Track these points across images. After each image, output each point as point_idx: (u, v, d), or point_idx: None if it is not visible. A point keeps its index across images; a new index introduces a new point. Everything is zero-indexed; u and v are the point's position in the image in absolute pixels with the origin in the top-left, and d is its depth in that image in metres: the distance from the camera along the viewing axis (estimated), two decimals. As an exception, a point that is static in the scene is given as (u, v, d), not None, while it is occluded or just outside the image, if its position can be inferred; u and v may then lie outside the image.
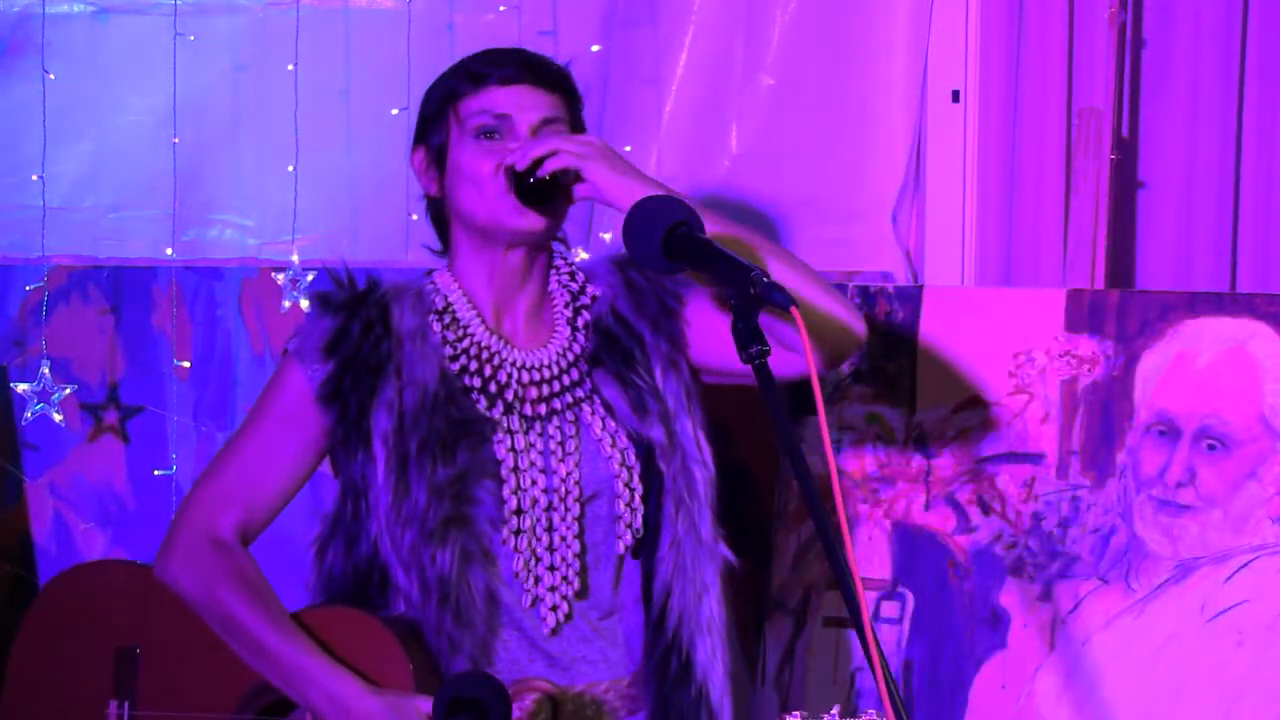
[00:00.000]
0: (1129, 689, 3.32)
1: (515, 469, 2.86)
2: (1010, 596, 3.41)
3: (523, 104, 2.90)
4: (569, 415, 2.91)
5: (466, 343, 2.92)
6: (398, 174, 3.74)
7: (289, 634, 2.83)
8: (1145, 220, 3.88)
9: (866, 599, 2.33)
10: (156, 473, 3.82)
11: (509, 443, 2.87)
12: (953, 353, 3.52)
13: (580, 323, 2.97)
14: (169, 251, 3.80)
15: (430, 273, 3.02)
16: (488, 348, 2.92)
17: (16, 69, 3.81)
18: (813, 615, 3.51)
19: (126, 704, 2.89)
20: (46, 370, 3.74)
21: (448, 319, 2.93)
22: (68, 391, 3.76)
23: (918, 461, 3.51)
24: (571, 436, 2.90)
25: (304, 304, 3.76)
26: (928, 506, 3.49)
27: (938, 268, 3.93)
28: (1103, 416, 3.43)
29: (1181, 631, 3.31)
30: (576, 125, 2.98)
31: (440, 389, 2.87)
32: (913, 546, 3.49)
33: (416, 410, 2.86)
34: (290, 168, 3.73)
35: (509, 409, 2.89)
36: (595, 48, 3.85)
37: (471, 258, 2.95)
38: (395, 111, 3.76)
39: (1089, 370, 3.46)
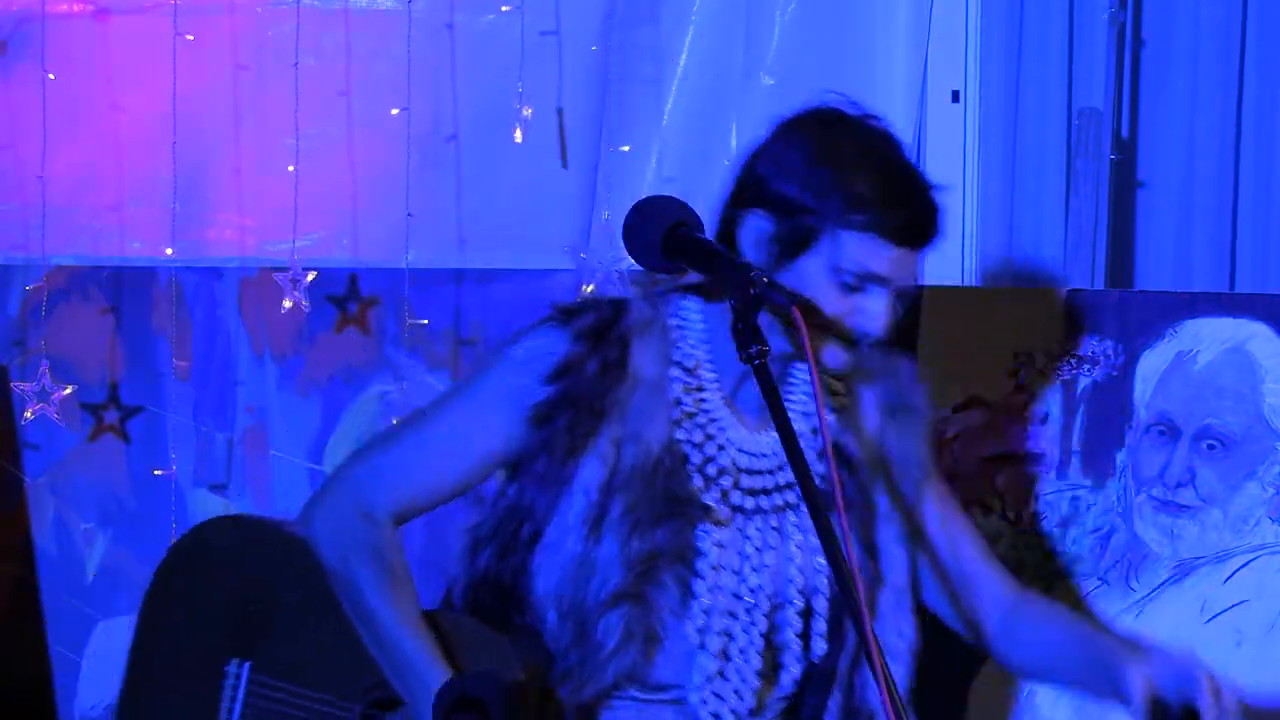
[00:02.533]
0: (1129, 689, 3.31)
1: (714, 566, 2.65)
2: (1010, 596, 3.41)
3: (901, 270, 2.65)
4: (773, 520, 2.71)
5: (696, 409, 2.70)
6: (398, 174, 3.75)
7: (414, 629, 2.67)
8: (1145, 220, 3.88)
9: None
10: (156, 473, 3.82)
11: (713, 535, 2.66)
12: (953, 353, 3.52)
13: (816, 424, 2.73)
14: (169, 251, 3.80)
15: (674, 287, 2.76)
16: (716, 420, 2.70)
17: (16, 69, 3.81)
18: (813, 615, 3.51)
19: (246, 665, 2.83)
20: (46, 370, 3.74)
21: (691, 380, 2.71)
22: (68, 391, 3.76)
23: (918, 461, 3.51)
24: (773, 546, 2.70)
25: (303, 304, 3.76)
26: (928, 506, 3.49)
27: (938, 268, 3.92)
28: (1103, 416, 3.43)
29: (1181, 631, 3.30)
30: None
31: (663, 456, 2.66)
32: (913, 546, 3.49)
33: (632, 472, 2.64)
34: (290, 168, 3.73)
35: (722, 496, 2.69)
36: (595, 48, 3.85)
37: (718, 310, 2.69)
38: (395, 111, 3.76)
39: (1089, 370, 3.46)
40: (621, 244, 2.69)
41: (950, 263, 3.92)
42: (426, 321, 3.84)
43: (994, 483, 3.46)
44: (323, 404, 3.91)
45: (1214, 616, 3.30)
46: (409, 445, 2.75)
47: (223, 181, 3.88)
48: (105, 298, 3.85)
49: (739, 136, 3.93)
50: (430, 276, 3.86)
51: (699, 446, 2.69)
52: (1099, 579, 3.38)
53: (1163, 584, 3.35)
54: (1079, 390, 3.45)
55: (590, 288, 3.76)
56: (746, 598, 2.68)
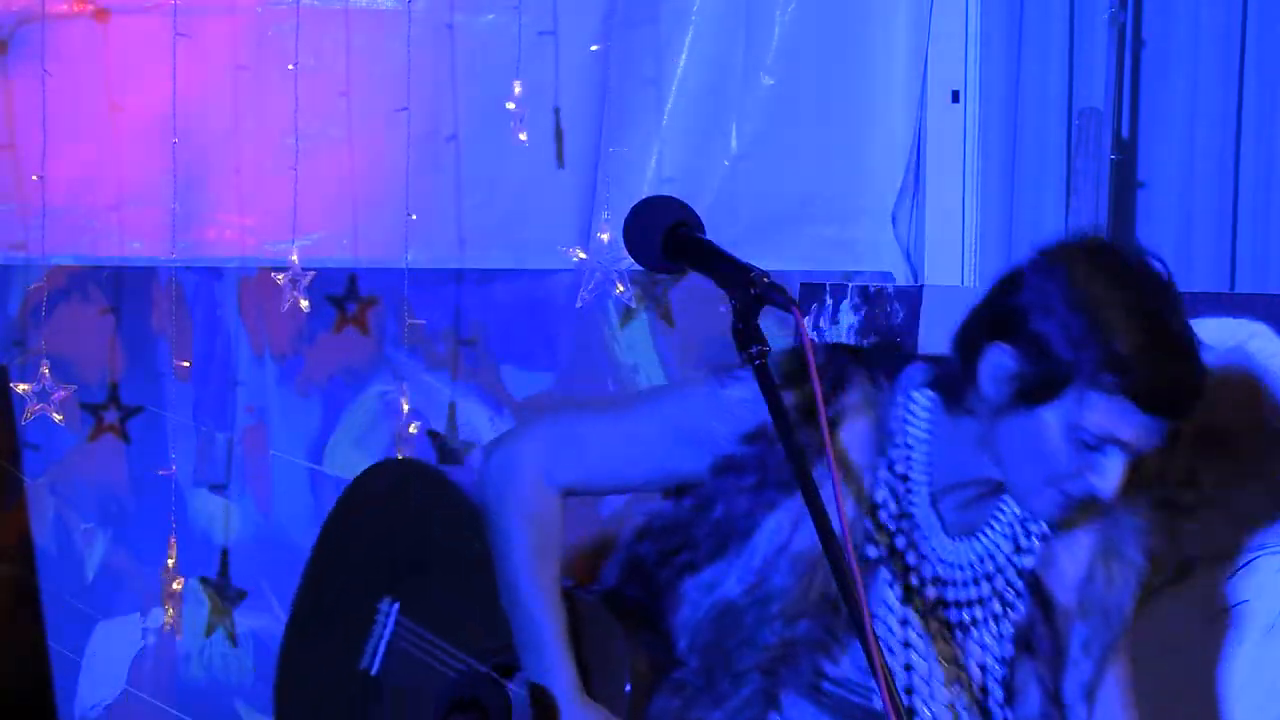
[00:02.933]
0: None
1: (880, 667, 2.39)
2: (1010, 596, 3.41)
3: (1145, 438, 2.46)
4: (951, 635, 2.58)
5: (898, 509, 2.57)
6: (398, 174, 3.75)
7: (547, 602, 2.62)
8: (1145, 220, 3.88)
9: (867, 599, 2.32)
10: (157, 473, 3.82)
11: (881, 629, 2.54)
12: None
13: (1025, 541, 2.61)
14: (169, 252, 3.80)
15: (911, 357, 2.65)
16: (919, 526, 2.57)
17: (16, 69, 3.81)
18: (813, 615, 3.50)
19: (395, 605, 2.87)
20: (46, 370, 3.74)
21: (899, 484, 2.57)
22: (68, 391, 3.76)
23: (918, 461, 3.51)
24: (952, 663, 2.58)
25: (303, 304, 3.76)
26: (928, 506, 3.49)
27: (938, 268, 3.93)
28: (1103, 416, 3.42)
29: (1181, 631, 3.30)
30: None
31: (854, 520, 2.53)
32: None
33: (796, 558, 2.53)
34: (290, 168, 3.73)
35: (906, 596, 2.56)
36: (595, 48, 3.85)
37: (947, 399, 2.55)
38: (395, 111, 3.76)
39: (1089, 370, 3.45)
40: (621, 244, 2.69)
41: (950, 263, 3.92)
42: (426, 322, 3.84)
43: (994, 483, 3.46)
44: (323, 404, 3.91)
45: (1214, 616, 3.30)
46: (601, 433, 2.67)
47: (223, 181, 3.88)
48: (105, 298, 3.85)
49: (739, 136, 3.93)
50: (430, 276, 3.86)
51: (887, 547, 2.58)
52: (1099, 579, 3.38)
53: (1163, 584, 3.34)
54: (1079, 390, 3.45)
55: (589, 287, 3.76)
56: (920, 709, 2.55)
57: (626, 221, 2.65)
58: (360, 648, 2.89)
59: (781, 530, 2.55)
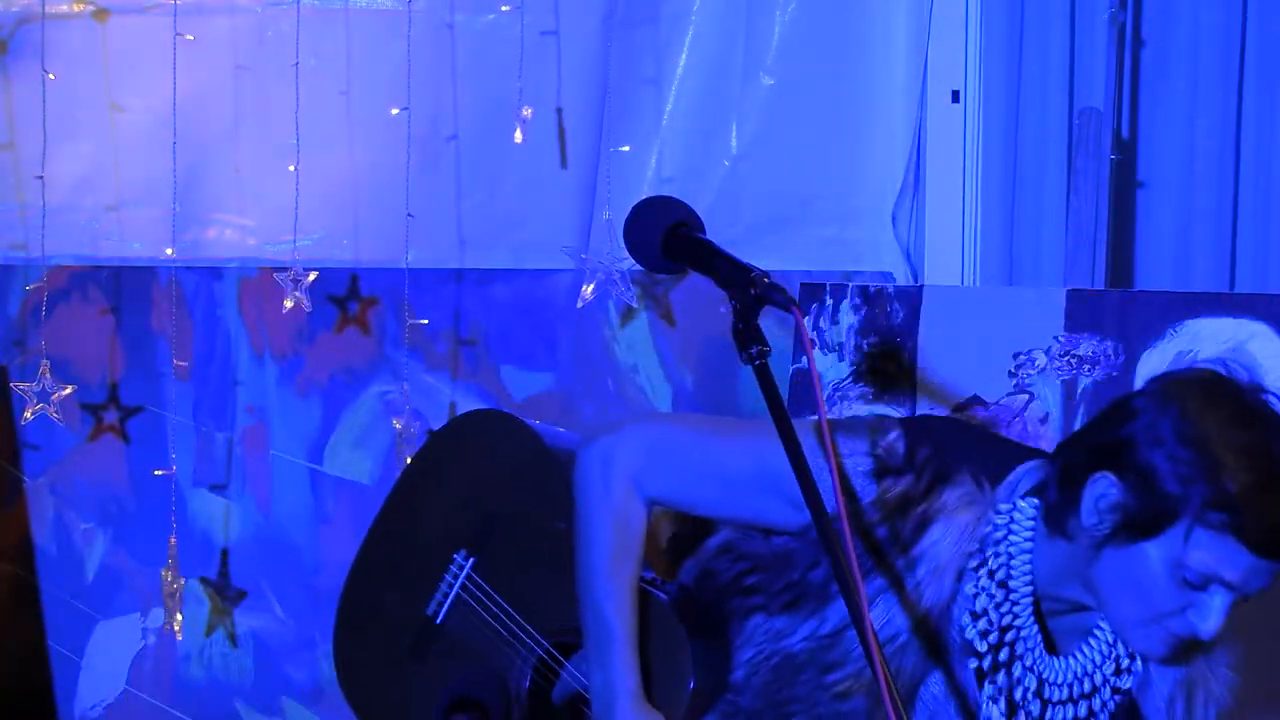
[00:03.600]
0: (1129, 689, 3.31)
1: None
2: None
3: (1252, 581, 2.38)
4: None
5: (1001, 622, 2.51)
6: (398, 174, 3.74)
7: (621, 604, 2.60)
8: (1145, 220, 3.88)
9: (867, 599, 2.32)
10: (157, 473, 3.82)
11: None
12: (953, 353, 3.52)
13: (1117, 665, 2.55)
14: (169, 251, 3.80)
15: (1020, 456, 2.56)
16: (1024, 638, 2.51)
17: (16, 69, 3.81)
18: (813, 615, 3.50)
19: (471, 560, 2.87)
20: (46, 370, 3.74)
21: (1000, 574, 2.50)
22: (68, 391, 3.76)
23: (918, 461, 3.51)
24: None
25: (305, 304, 3.76)
26: (928, 506, 3.49)
27: (938, 268, 3.93)
28: (1103, 416, 3.43)
29: (1181, 631, 3.30)
30: None
31: (941, 618, 2.48)
32: (913, 546, 3.49)
33: (913, 633, 2.48)
34: (290, 168, 3.73)
35: (1009, 711, 2.52)
36: (595, 48, 3.85)
37: (1050, 530, 2.47)
38: (395, 111, 3.76)
39: (1089, 370, 3.46)
40: (622, 244, 2.69)
41: (950, 263, 3.93)
42: (426, 321, 3.84)
43: (994, 483, 3.46)
44: (323, 404, 3.91)
45: (1214, 616, 3.29)
46: (700, 455, 2.63)
47: (223, 181, 3.88)
48: (105, 298, 3.85)
49: (739, 136, 3.93)
50: (430, 276, 3.86)
51: (990, 660, 2.52)
52: (1099, 579, 3.37)
53: (1163, 584, 3.34)
54: (1079, 390, 3.45)
55: (589, 287, 3.76)
56: None
57: (627, 221, 2.65)
58: (429, 593, 2.89)
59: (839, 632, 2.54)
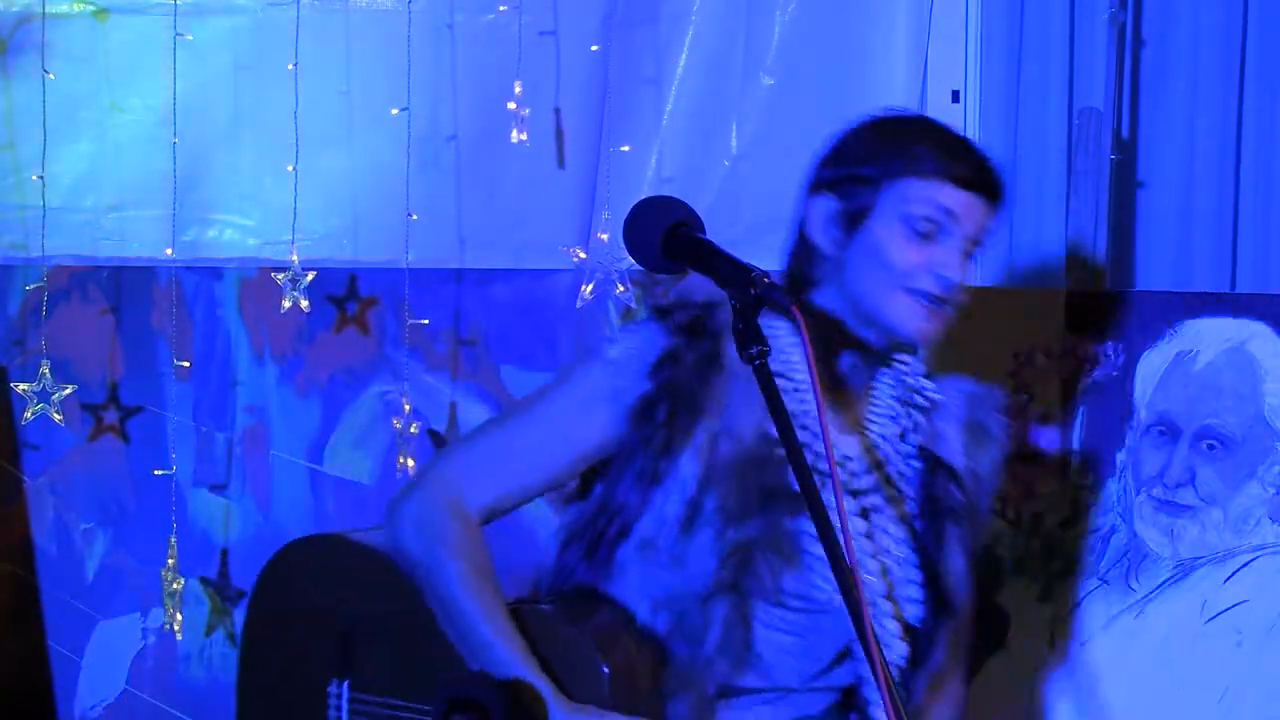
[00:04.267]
0: (1129, 689, 3.32)
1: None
2: (1010, 596, 3.41)
3: (972, 213, 2.67)
4: (861, 524, 2.69)
5: (792, 407, 2.62)
6: (398, 174, 3.74)
7: (501, 628, 2.64)
8: (1145, 220, 3.88)
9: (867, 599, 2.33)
10: (156, 473, 3.82)
11: (807, 525, 2.61)
12: (953, 353, 3.51)
13: (908, 421, 2.75)
14: (169, 251, 3.80)
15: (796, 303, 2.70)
16: (810, 413, 2.66)
17: (16, 69, 3.81)
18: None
19: (346, 683, 2.81)
20: (46, 370, 3.74)
21: (782, 382, 2.60)
22: (68, 391, 3.76)
23: (918, 461, 3.51)
24: (866, 536, 2.69)
25: (303, 304, 3.76)
26: (928, 506, 3.49)
27: (937, 268, 3.93)
28: (1103, 416, 3.43)
29: (1181, 631, 3.31)
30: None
31: (756, 448, 2.63)
32: (913, 546, 3.49)
33: (727, 465, 2.62)
34: (290, 168, 3.73)
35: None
36: (595, 48, 3.85)
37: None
38: (395, 111, 3.76)
39: (1089, 370, 3.46)
40: (622, 244, 2.69)
41: (950, 263, 3.92)
42: (427, 321, 3.84)
43: (994, 483, 3.46)
44: (323, 404, 3.91)
45: (1214, 616, 3.30)
46: (502, 442, 2.71)
47: (223, 181, 3.88)
48: (105, 298, 3.85)
49: (739, 136, 3.93)
50: (430, 276, 3.86)
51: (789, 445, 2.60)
52: (1099, 579, 3.38)
53: (1163, 584, 3.35)
54: (1079, 390, 3.46)
55: (589, 287, 3.76)
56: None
57: (626, 221, 2.65)
58: None
59: (703, 449, 2.62)
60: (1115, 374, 3.44)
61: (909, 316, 2.65)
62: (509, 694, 2.64)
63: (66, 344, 3.81)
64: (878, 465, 2.73)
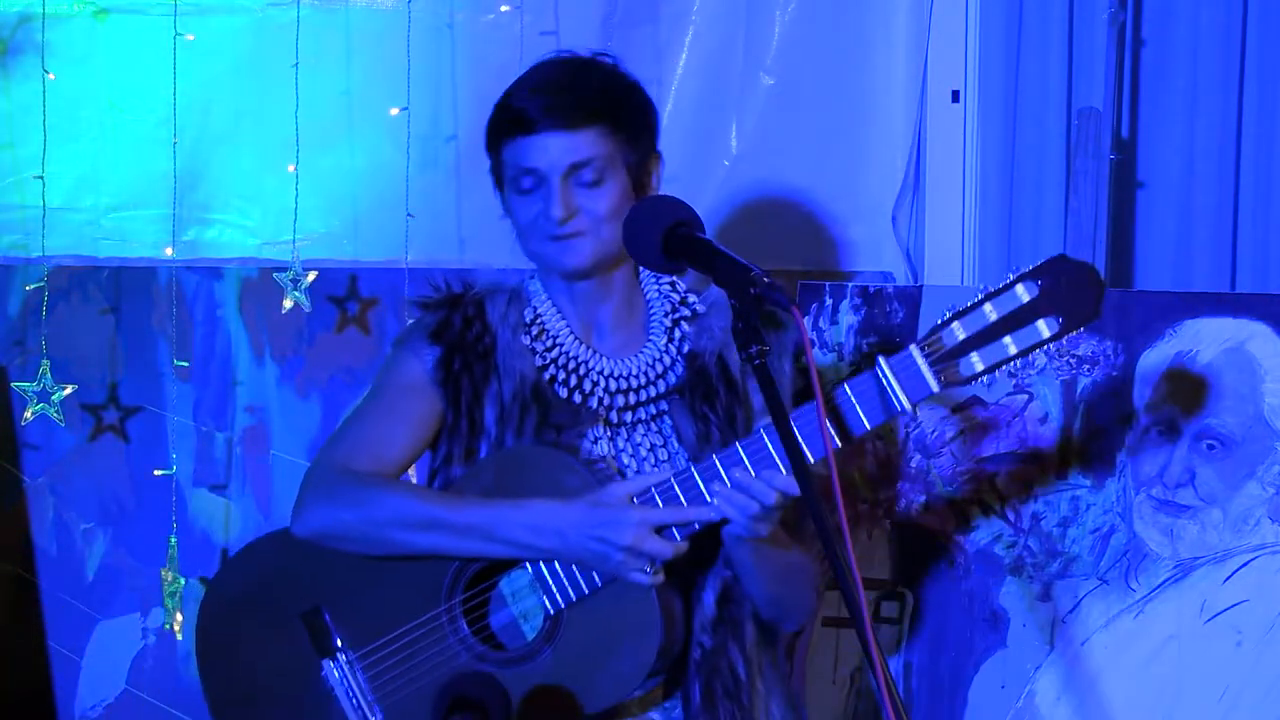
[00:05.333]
0: (1129, 689, 3.32)
1: (614, 473, 2.84)
2: (1010, 596, 3.41)
3: (550, 154, 2.82)
4: (654, 426, 2.90)
5: (556, 352, 2.90)
6: (398, 174, 3.75)
7: (459, 498, 2.83)
8: (1145, 220, 3.88)
9: (866, 599, 2.33)
10: (157, 473, 3.82)
11: (601, 446, 2.86)
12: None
13: (676, 334, 2.93)
14: (169, 251, 3.80)
15: (529, 276, 3.00)
16: (575, 357, 2.90)
17: (16, 69, 3.81)
18: (813, 615, 3.51)
19: (340, 655, 2.86)
20: (46, 370, 3.74)
21: (535, 330, 2.92)
22: (68, 391, 3.76)
23: (918, 461, 3.51)
24: (660, 445, 2.89)
25: (299, 301, 3.76)
26: (928, 507, 3.49)
27: (938, 268, 3.93)
28: (1103, 416, 3.43)
29: (1181, 631, 3.31)
30: (633, 146, 2.86)
31: (537, 383, 2.88)
32: (913, 546, 3.49)
33: (513, 402, 2.87)
34: (290, 168, 3.73)
35: (595, 416, 2.87)
36: (595, 48, 3.85)
37: (546, 277, 2.95)
38: (395, 111, 3.76)
39: (1089, 370, 3.46)
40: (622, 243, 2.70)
41: (950, 263, 3.93)
42: (428, 321, 3.83)
43: (994, 483, 3.46)
44: (323, 404, 3.91)
45: (1214, 616, 3.30)
46: (358, 430, 2.94)
47: (223, 181, 3.88)
48: (105, 298, 3.85)
49: (739, 136, 3.93)
50: (430, 276, 3.86)
51: (563, 383, 2.88)
52: (1099, 579, 3.38)
53: (1163, 584, 3.35)
54: (1079, 390, 3.45)
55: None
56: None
57: (626, 221, 2.66)
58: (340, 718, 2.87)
59: (496, 394, 2.88)
60: (1115, 374, 3.44)
61: (547, 252, 2.88)
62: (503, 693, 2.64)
63: (66, 344, 3.81)
64: (660, 377, 2.90)
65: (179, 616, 3.81)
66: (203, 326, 3.88)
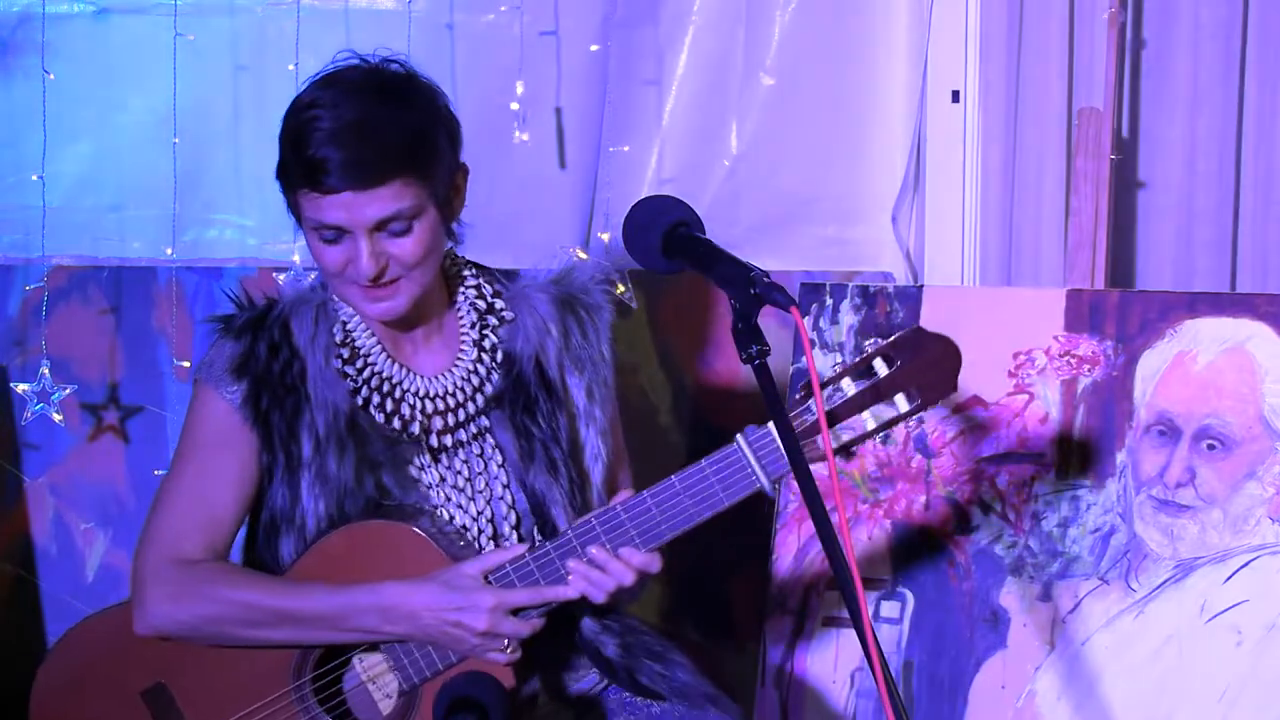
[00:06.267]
0: (1129, 689, 3.32)
1: (443, 499, 2.83)
2: (1010, 596, 3.41)
3: (353, 214, 2.76)
4: (474, 447, 2.87)
5: (368, 373, 2.86)
6: (398, 174, 3.74)
7: (307, 587, 2.78)
8: (1145, 220, 3.88)
9: (866, 599, 2.33)
10: (156, 473, 3.82)
11: (426, 473, 2.84)
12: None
13: (487, 344, 2.91)
14: (169, 251, 3.80)
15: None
16: (389, 378, 2.86)
17: (16, 69, 3.81)
18: (813, 615, 3.51)
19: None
20: (46, 370, 3.74)
21: (347, 352, 2.86)
22: (68, 391, 3.76)
23: (918, 462, 3.51)
24: (480, 473, 2.87)
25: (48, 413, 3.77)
26: (928, 506, 3.49)
27: (938, 268, 3.93)
28: (1103, 416, 3.43)
29: (1181, 631, 3.30)
30: (439, 181, 2.81)
31: (352, 414, 2.83)
32: (913, 546, 3.49)
33: (327, 437, 2.81)
34: (290, 168, 3.73)
35: (417, 443, 2.85)
36: (595, 48, 3.85)
37: None
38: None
39: (1089, 370, 3.46)
40: (621, 244, 2.69)
41: (950, 263, 3.92)
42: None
43: (994, 483, 3.46)
44: (323, 404, 3.91)
45: (1214, 616, 3.30)
46: (182, 497, 2.85)
47: (223, 181, 3.88)
48: (105, 298, 3.85)
49: (739, 136, 3.93)
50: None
51: (379, 407, 2.82)
52: (1099, 579, 3.38)
53: (1163, 584, 3.35)
54: (1079, 390, 3.45)
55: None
56: (470, 524, 2.81)
57: (626, 221, 2.66)
58: None
59: (312, 425, 2.80)
60: (1115, 374, 3.44)
61: (358, 302, 2.81)
62: (505, 693, 2.64)
63: (66, 344, 3.81)
64: (477, 390, 2.88)
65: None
66: (203, 326, 3.88)
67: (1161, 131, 3.85)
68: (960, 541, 3.46)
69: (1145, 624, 3.33)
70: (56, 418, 3.75)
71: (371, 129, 2.73)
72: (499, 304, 2.93)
